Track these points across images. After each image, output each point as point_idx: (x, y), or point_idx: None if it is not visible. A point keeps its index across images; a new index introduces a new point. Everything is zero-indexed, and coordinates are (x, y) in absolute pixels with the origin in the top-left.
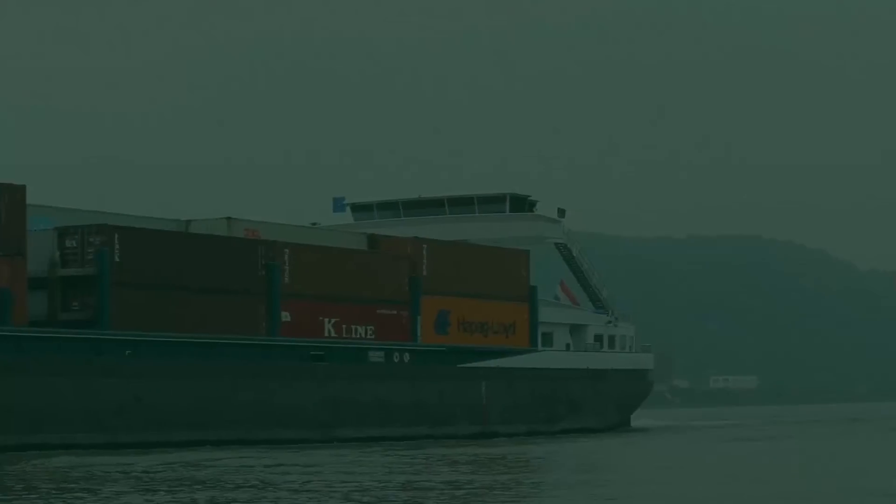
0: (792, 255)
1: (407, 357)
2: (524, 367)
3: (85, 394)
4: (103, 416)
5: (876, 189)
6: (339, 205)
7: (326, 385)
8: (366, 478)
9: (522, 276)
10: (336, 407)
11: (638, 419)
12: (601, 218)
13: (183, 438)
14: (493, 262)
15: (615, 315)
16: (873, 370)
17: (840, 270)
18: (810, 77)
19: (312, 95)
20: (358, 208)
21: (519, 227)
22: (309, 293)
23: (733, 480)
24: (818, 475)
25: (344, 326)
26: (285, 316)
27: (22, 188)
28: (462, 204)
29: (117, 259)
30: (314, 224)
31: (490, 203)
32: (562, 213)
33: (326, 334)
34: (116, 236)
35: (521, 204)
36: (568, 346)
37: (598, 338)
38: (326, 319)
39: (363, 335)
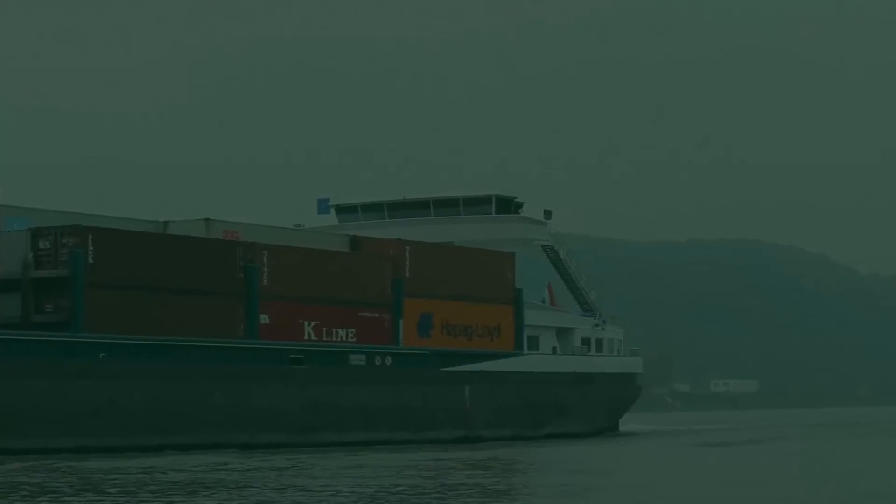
0: (793, 258)
1: (389, 360)
2: (509, 370)
3: (57, 397)
4: (77, 419)
5: (876, 189)
6: (323, 206)
7: (306, 389)
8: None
9: (508, 279)
10: (317, 411)
11: (627, 423)
12: (602, 220)
13: (156, 443)
14: (477, 264)
15: (603, 318)
16: (874, 371)
17: (841, 274)
18: (810, 77)
19: (312, 95)
20: (342, 210)
21: (505, 229)
22: (288, 295)
23: (719, 485)
24: (788, 480)
25: (324, 329)
26: (264, 318)
27: None
28: (447, 205)
29: (91, 260)
30: (298, 226)
31: (476, 204)
32: (548, 214)
33: (306, 337)
34: (90, 237)
35: (507, 205)
36: (554, 349)
37: (586, 341)
38: (306, 322)
39: (344, 338)
